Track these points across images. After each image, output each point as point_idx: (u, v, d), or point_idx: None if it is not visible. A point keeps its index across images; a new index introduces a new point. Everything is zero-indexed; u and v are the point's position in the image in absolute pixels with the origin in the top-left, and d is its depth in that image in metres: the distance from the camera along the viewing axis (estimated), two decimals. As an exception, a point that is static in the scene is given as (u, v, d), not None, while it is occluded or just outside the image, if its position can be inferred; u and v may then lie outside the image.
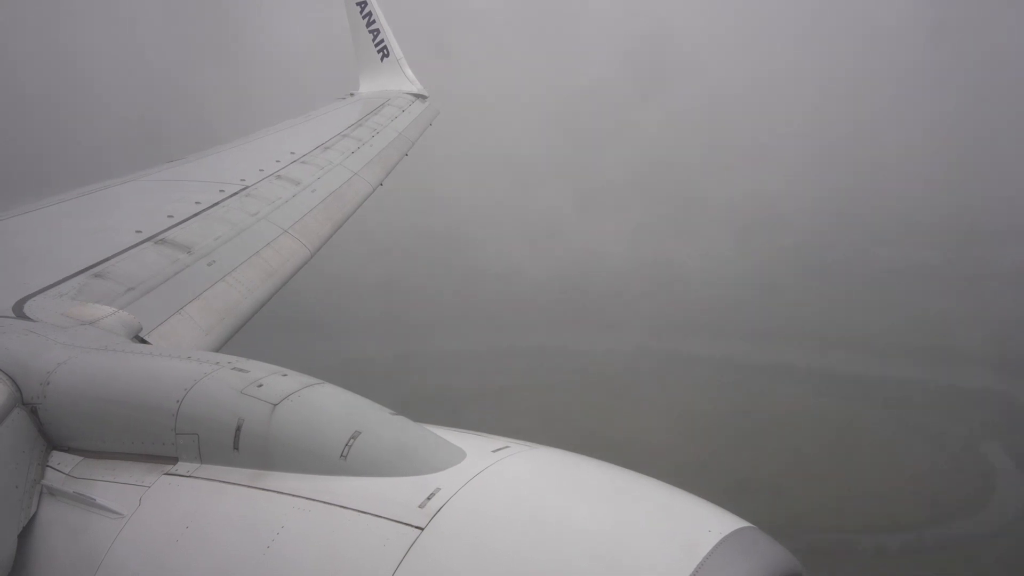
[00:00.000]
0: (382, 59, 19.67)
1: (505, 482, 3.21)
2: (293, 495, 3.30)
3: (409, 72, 19.76)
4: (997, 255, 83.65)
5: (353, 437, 3.40)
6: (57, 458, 3.93)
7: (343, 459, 3.35)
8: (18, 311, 5.40)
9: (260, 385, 3.69)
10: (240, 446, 3.52)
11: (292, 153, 11.47)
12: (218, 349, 6.42)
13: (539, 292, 70.28)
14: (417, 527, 2.99)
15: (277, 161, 10.93)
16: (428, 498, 3.10)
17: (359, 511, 3.14)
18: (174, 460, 3.68)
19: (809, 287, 75.62)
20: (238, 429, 3.54)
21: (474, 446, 3.44)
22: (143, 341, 5.45)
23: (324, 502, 3.23)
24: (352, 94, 18.75)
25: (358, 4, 19.52)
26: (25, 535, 3.64)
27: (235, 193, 9.29)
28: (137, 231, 7.59)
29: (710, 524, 2.96)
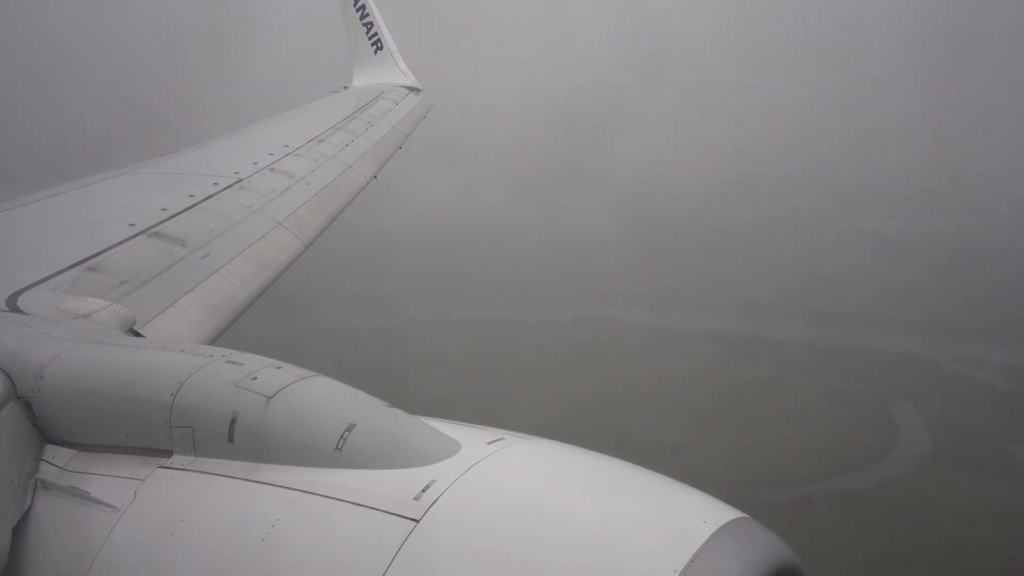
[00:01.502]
0: (376, 52, 19.60)
1: (500, 474, 3.22)
2: (288, 488, 3.30)
3: (403, 65, 19.70)
4: (926, 225, 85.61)
5: (348, 430, 3.40)
6: (51, 452, 3.92)
7: (338, 451, 3.35)
8: (11, 305, 5.39)
9: (254, 378, 3.69)
10: (235, 439, 3.52)
11: (286, 146, 11.43)
12: (212, 342, 6.41)
13: (476, 263, 70.96)
14: (412, 519, 2.99)
15: (271, 154, 10.90)
16: (423, 490, 3.10)
17: (354, 503, 3.14)
18: (169, 453, 3.68)
19: (737, 255, 77.32)
20: (232, 422, 3.53)
21: (469, 438, 3.44)
22: (137, 334, 5.43)
23: (319, 495, 3.23)
24: (346, 87, 18.70)
25: None
26: (20, 529, 3.63)
27: (229, 186, 9.27)
28: (131, 224, 7.57)
29: (705, 515, 2.97)
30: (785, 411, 50.30)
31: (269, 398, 3.56)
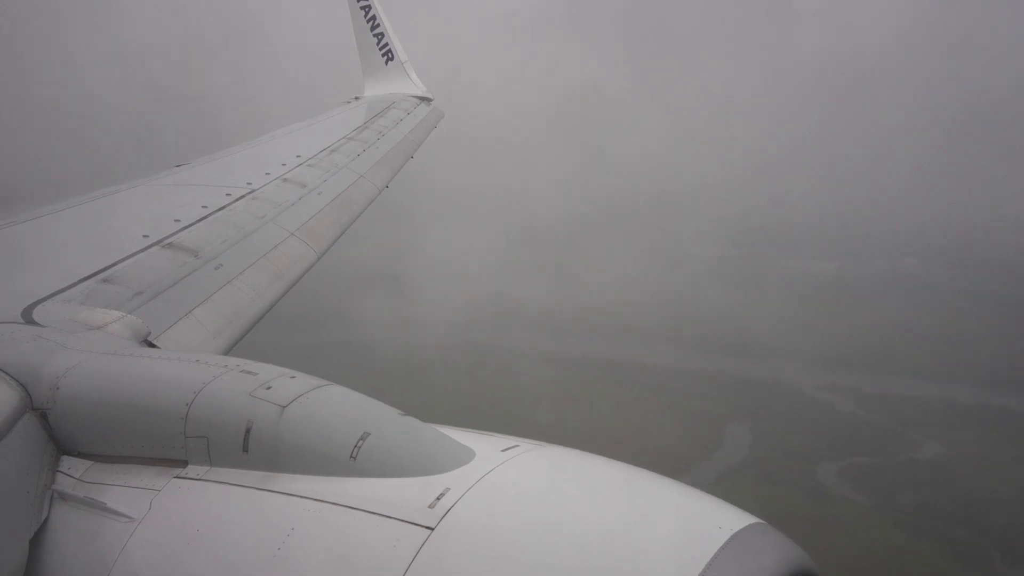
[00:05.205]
0: (387, 63, 19.70)
1: (514, 481, 3.21)
2: (303, 497, 3.30)
3: (414, 75, 19.79)
4: (863, 266, 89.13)
5: (362, 438, 3.40)
6: (67, 463, 3.93)
7: (352, 460, 3.35)
8: (27, 317, 5.41)
9: (269, 387, 3.69)
10: (250, 448, 3.53)
11: (298, 156, 11.48)
12: (226, 352, 6.42)
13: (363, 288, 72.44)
14: (427, 527, 2.99)
15: (283, 164, 10.95)
16: (438, 498, 3.10)
17: (369, 512, 3.14)
18: (184, 463, 3.69)
19: (608, 287, 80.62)
20: (247, 431, 3.54)
21: (483, 446, 3.44)
22: (151, 345, 5.44)
23: (334, 503, 3.23)
24: (357, 98, 18.78)
25: (362, 8, 19.55)
26: (36, 540, 3.64)
27: (242, 196, 9.30)
28: (144, 235, 7.60)
29: (720, 521, 2.95)
30: (625, 427, 53.32)
31: (283, 407, 3.56)
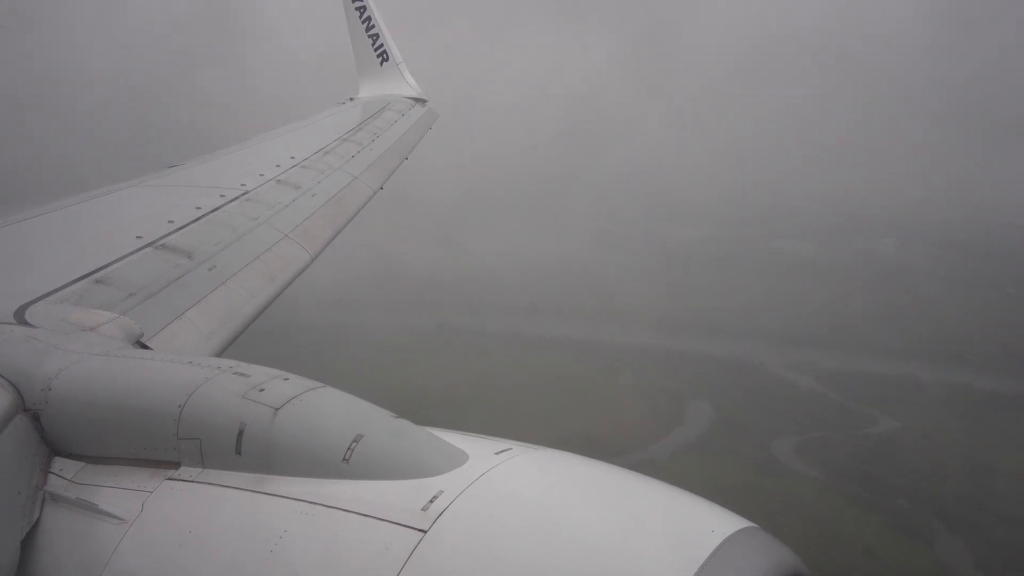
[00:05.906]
0: (381, 64, 19.70)
1: (508, 484, 3.21)
2: (296, 499, 3.30)
3: (409, 76, 19.80)
4: (842, 247, 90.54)
5: (355, 441, 3.40)
6: (59, 464, 3.93)
7: (345, 463, 3.35)
8: (19, 317, 5.39)
9: (262, 389, 3.69)
10: (242, 451, 3.53)
11: (292, 157, 11.46)
12: (219, 354, 6.41)
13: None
14: (420, 530, 2.99)
15: (277, 166, 10.93)
16: (431, 501, 3.10)
17: (362, 515, 3.14)
18: (176, 465, 3.69)
19: (576, 267, 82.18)
20: (240, 433, 3.54)
21: (477, 448, 3.44)
22: (144, 346, 5.43)
23: (327, 506, 3.23)
24: (352, 99, 18.78)
25: (357, 9, 19.56)
26: (28, 542, 3.64)
27: (236, 198, 9.29)
28: (138, 236, 7.58)
29: (713, 524, 2.96)
30: (589, 405, 53.86)
31: (276, 409, 3.56)
